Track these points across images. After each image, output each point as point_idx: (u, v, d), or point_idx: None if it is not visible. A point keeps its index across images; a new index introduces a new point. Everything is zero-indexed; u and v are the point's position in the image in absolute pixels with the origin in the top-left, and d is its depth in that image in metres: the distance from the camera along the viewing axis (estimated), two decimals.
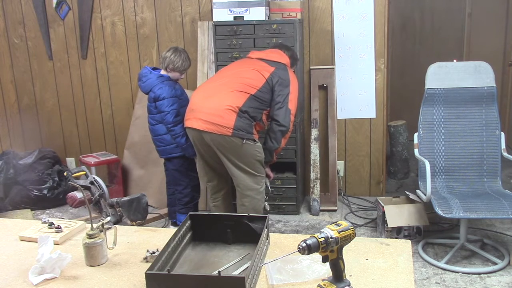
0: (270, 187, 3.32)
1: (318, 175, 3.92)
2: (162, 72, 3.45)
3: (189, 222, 1.87)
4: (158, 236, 1.95)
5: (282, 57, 3.13)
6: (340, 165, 4.20)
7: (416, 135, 3.41)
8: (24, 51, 4.64)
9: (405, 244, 1.79)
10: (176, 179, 3.56)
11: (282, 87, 2.98)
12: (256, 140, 2.97)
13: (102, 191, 2.72)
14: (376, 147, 4.17)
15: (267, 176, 3.21)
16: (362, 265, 1.65)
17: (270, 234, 1.87)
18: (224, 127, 2.85)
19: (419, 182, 3.34)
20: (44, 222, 2.04)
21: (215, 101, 2.91)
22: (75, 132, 4.73)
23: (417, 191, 3.30)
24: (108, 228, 1.83)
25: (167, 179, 3.68)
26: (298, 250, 1.39)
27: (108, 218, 1.85)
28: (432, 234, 3.42)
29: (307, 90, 4.12)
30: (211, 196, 3.29)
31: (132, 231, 2.02)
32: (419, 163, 3.37)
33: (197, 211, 3.63)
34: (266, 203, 3.17)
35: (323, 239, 1.40)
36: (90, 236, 1.71)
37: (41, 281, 1.60)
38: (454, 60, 3.45)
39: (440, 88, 3.39)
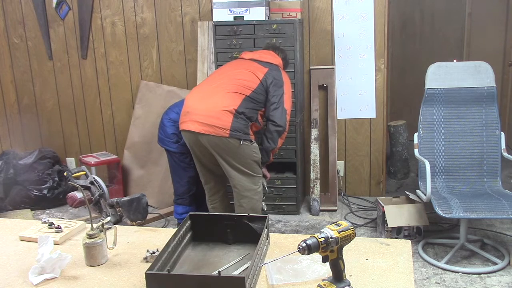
0: (267, 187, 3.32)
1: (318, 175, 3.92)
2: None
3: (189, 222, 1.87)
4: (158, 236, 1.95)
5: (275, 59, 3.14)
6: (340, 165, 4.21)
7: (416, 135, 3.41)
8: (24, 51, 4.64)
9: (405, 244, 1.79)
10: (173, 169, 3.54)
11: (277, 88, 2.98)
12: (253, 140, 2.96)
13: (102, 191, 2.72)
14: (376, 147, 4.17)
15: (264, 176, 3.21)
16: (362, 265, 1.65)
17: (270, 234, 1.87)
18: (221, 128, 2.84)
19: (419, 182, 3.34)
20: (44, 222, 2.04)
21: (211, 103, 2.91)
22: (75, 132, 4.73)
23: (417, 191, 3.30)
24: (108, 228, 1.83)
25: None
26: (298, 250, 1.39)
27: (108, 218, 1.85)
28: (432, 234, 3.42)
29: (307, 90, 4.12)
30: (209, 198, 3.28)
31: (132, 231, 2.02)
32: (419, 163, 3.37)
33: (193, 204, 3.58)
34: (263, 203, 3.17)
35: (323, 239, 1.40)
36: (90, 236, 1.71)
37: (41, 281, 1.60)
38: (454, 60, 3.45)
39: (440, 88, 3.39)
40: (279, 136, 3.01)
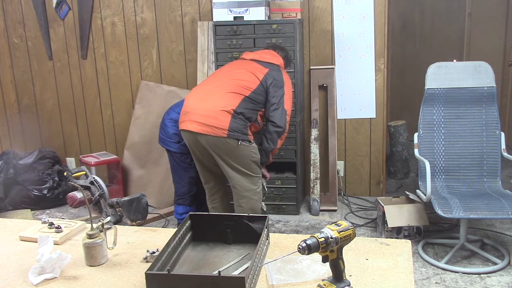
0: (267, 187, 3.31)
1: (318, 175, 3.92)
2: None
3: (189, 222, 1.87)
4: (158, 236, 1.95)
5: (275, 58, 3.14)
6: (340, 165, 4.20)
7: (416, 135, 3.41)
8: (24, 51, 4.64)
9: (405, 244, 1.79)
10: (174, 169, 3.54)
11: (277, 88, 2.98)
12: (252, 141, 2.96)
13: (102, 191, 2.72)
14: (376, 147, 4.17)
15: (264, 176, 3.20)
16: (362, 265, 1.65)
17: (270, 234, 1.87)
18: (219, 128, 2.84)
19: (419, 182, 3.34)
20: (44, 222, 2.04)
21: (209, 103, 2.90)
22: (75, 132, 4.73)
23: (417, 191, 3.30)
24: (108, 228, 1.83)
25: None
26: (298, 250, 1.39)
27: (108, 218, 1.85)
28: (432, 234, 3.42)
29: (307, 90, 4.12)
30: (209, 198, 3.28)
31: (132, 231, 2.02)
32: (419, 163, 3.37)
33: (193, 204, 3.58)
34: (263, 204, 3.17)
35: (323, 239, 1.40)
36: (90, 236, 1.71)
37: (41, 281, 1.60)
38: (454, 60, 3.45)
39: (440, 88, 3.39)
40: (278, 137, 3.00)
